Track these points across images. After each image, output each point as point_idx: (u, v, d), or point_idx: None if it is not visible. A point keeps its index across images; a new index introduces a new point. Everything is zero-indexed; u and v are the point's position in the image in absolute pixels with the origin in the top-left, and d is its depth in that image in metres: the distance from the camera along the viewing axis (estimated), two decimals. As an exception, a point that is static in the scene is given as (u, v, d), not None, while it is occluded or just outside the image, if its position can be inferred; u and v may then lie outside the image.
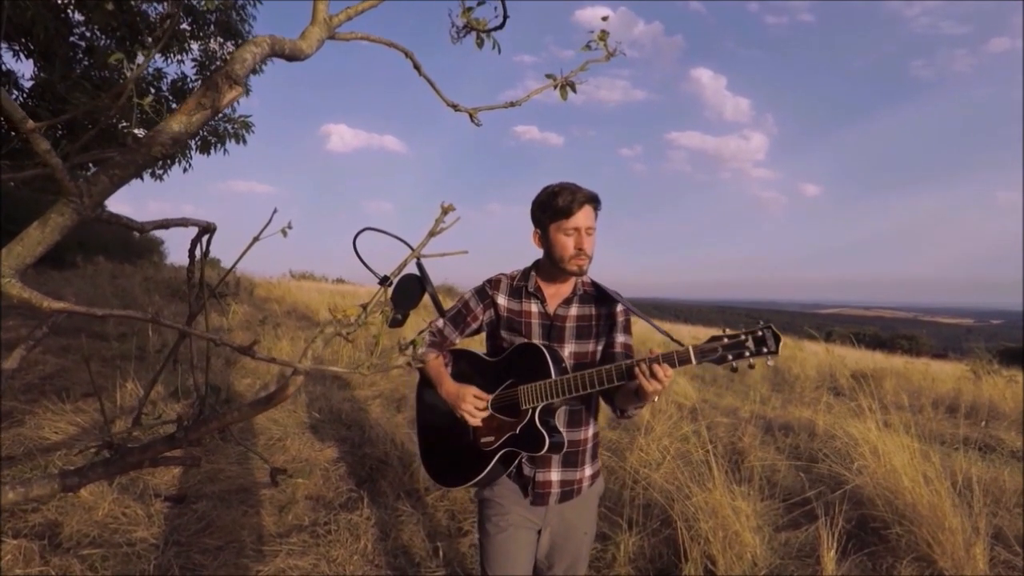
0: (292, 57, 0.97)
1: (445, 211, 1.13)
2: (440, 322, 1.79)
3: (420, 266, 1.66)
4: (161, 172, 6.32)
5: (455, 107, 1.47)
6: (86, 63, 5.60)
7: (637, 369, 1.47)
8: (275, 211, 1.37)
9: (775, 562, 2.69)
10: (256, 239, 1.40)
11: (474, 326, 1.79)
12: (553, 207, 1.64)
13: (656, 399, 1.54)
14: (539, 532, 1.77)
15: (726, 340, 1.43)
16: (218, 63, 6.03)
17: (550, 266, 1.72)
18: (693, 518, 2.68)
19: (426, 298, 1.72)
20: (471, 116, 1.48)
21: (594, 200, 1.67)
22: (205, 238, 1.55)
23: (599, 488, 1.85)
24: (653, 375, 1.45)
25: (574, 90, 1.54)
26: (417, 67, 1.33)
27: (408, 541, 2.90)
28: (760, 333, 1.41)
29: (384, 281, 1.50)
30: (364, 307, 1.12)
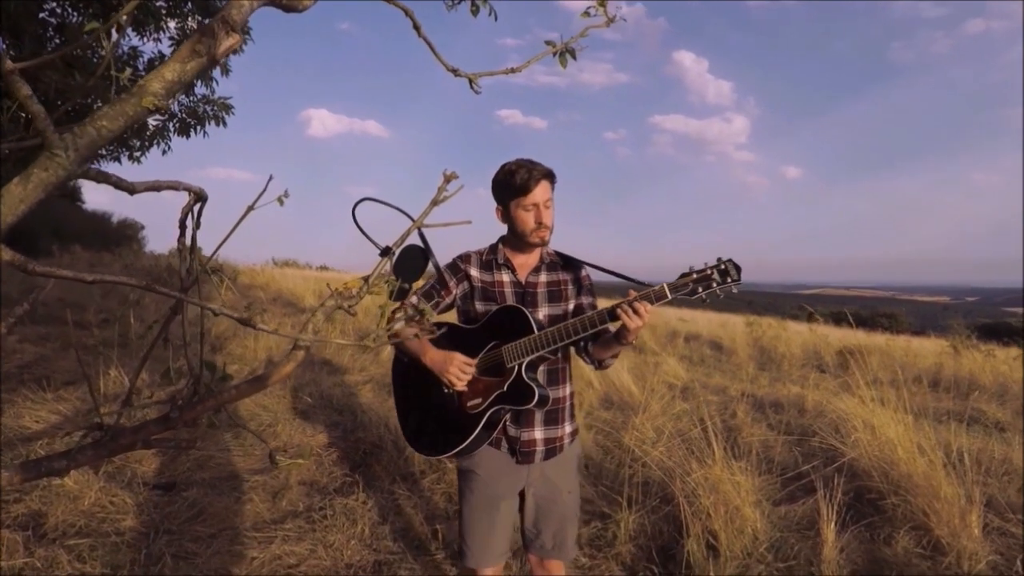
0: (289, 8, 0.90)
1: (448, 179, 1.07)
2: (414, 298, 1.81)
3: (422, 236, 1.61)
4: (139, 154, 6.12)
5: (455, 71, 1.41)
6: (57, 41, 5.37)
7: (620, 309, 1.59)
8: (271, 178, 1.30)
9: (775, 535, 2.70)
10: (251, 208, 1.32)
11: (447, 300, 1.82)
12: (511, 185, 1.71)
13: (634, 341, 1.66)
14: (523, 498, 1.83)
15: (695, 275, 1.60)
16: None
17: (515, 239, 1.80)
18: (693, 494, 2.67)
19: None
20: (471, 81, 1.41)
21: (549, 176, 1.74)
22: (197, 207, 1.47)
23: (578, 448, 1.93)
24: (635, 311, 1.58)
25: (574, 57, 1.48)
26: (417, 27, 1.26)
27: (406, 524, 2.86)
28: (723, 266, 1.59)
29: (386, 252, 1.43)
30: (366, 279, 1.07)
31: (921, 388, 6.18)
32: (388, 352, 6.27)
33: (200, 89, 5.95)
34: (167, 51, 5.84)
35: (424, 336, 1.73)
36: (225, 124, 6.08)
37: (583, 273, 1.88)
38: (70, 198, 20.23)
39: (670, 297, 1.59)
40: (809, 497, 3.03)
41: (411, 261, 1.60)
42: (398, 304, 1.69)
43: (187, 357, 1.31)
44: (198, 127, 5.95)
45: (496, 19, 1.50)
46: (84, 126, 0.75)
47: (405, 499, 3.05)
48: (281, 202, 1.35)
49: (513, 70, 1.48)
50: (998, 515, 2.90)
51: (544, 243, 1.78)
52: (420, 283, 1.83)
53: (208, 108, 5.94)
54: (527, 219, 1.73)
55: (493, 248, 1.86)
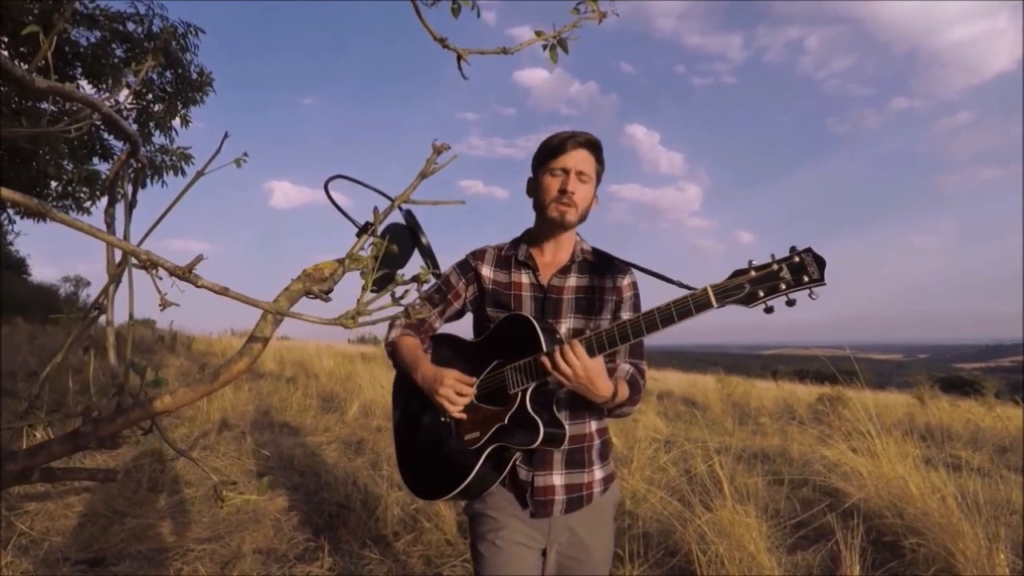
0: None
1: (437, 151, 0.90)
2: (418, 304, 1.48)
3: (410, 215, 1.37)
4: (89, 204, 5.81)
5: (443, 42, 1.27)
6: (3, 88, 5.16)
7: (544, 356, 1.26)
8: (226, 135, 1.10)
9: (795, 586, 2.43)
10: (201, 173, 1.13)
11: (456, 306, 1.52)
12: (546, 146, 1.43)
13: (599, 399, 1.30)
14: (544, 553, 1.44)
15: (753, 273, 1.13)
16: (160, 92, 5.70)
17: (540, 223, 1.49)
18: (702, 539, 2.40)
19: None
20: (459, 57, 1.28)
21: (592, 145, 1.43)
22: (132, 173, 1.27)
23: (615, 495, 1.53)
24: (552, 362, 1.25)
25: (565, 50, 1.37)
26: (403, -21, 1.13)
27: (378, 594, 2.49)
28: (797, 259, 1.10)
29: (365, 229, 1.21)
30: (341, 261, 0.87)
31: (897, 435, 6.14)
32: (354, 411, 5.87)
33: (158, 139, 5.75)
34: (126, 103, 5.69)
35: (411, 334, 1.47)
36: (184, 174, 5.86)
37: (625, 283, 1.49)
38: (15, 270, 19.36)
39: (716, 306, 1.15)
40: (821, 543, 2.78)
41: (397, 243, 1.34)
42: (381, 273, 1.37)
43: (110, 360, 1.04)
44: (155, 177, 5.70)
45: (479, 15, 1.39)
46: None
47: (377, 564, 2.67)
48: (239, 164, 1.15)
49: (505, 51, 1.35)
50: (1018, 556, 2.71)
51: (564, 223, 1.42)
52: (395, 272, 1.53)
53: (167, 158, 5.73)
54: (551, 185, 1.40)
55: (515, 242, 1.53)
